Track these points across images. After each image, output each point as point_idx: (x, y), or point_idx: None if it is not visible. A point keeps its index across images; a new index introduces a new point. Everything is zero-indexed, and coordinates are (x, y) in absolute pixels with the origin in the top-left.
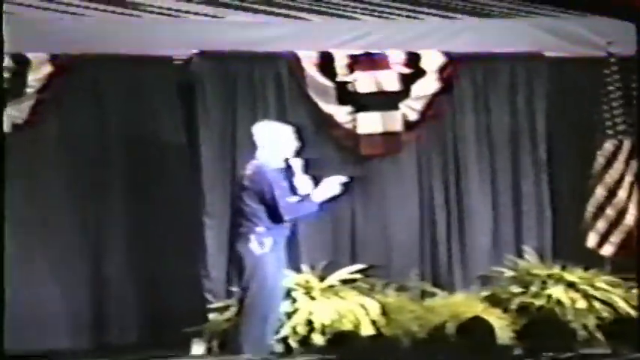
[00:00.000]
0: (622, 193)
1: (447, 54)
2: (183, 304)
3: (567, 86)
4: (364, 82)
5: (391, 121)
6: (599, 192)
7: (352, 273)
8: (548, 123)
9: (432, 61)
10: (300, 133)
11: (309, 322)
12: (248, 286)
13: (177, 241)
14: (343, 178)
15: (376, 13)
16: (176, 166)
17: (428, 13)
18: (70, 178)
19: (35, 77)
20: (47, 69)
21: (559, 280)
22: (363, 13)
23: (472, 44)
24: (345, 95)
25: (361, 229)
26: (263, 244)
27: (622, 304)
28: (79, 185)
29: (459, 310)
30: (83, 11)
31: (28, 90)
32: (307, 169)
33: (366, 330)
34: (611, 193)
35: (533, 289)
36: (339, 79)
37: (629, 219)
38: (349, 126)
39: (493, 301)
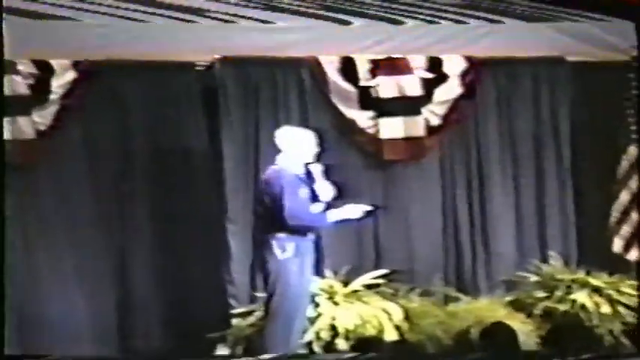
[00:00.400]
0: None
1: (469, 58)
2: (207, 310)
3: (590, 90)
4: (386, 86)
5: (414, 126)
6: (624, 196)
7: (375, 278)
8: (571, 127)
9: (454, 65)
10: (322, 139)
11: (333, 328)
12: (273, 291)
13: (201, 246)
14: (367, 207)
15: (398, 18)
16: (199, 171)
17: (449, 19)
18: (94, 184)
19: (58, 84)
20: (70, 75)
21: (584, 285)
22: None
23: (494, 48)
24: (368, 100)
25: (384, 234)
26: (285, 249)
27: None
28: (103, 191)
29: (483, 315)
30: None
31: (52, 96)
32: (329, 174)
33: (390, 335)
34: (636, 197)
35: (558, 294)
36: (362, 83)
37: None
38: (371, 131)
39: (517, 306)
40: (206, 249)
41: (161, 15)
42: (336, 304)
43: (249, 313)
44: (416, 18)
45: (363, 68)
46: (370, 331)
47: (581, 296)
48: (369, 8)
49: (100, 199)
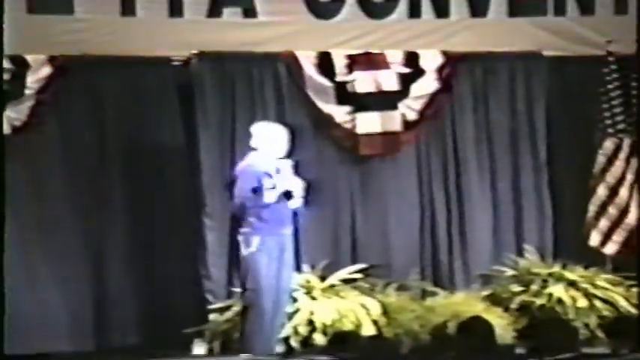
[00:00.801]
0: (623, 192)
1: (445, 53)
2: (184, 305)
3: (567, 85)
4: (363, 81)
5: (390, 121)
6: (601, 191)
7: (353, 273)
8: (547, 122)
9: (430, 60)
10: (298, 134)
11: (310, 322)
12: (244, 286)
13: (178, 242)
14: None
15: (374, 13)
16: (176, 166)
17: (426, 13)
18: (70, 179)
19: (34, 79)
20: (46, 70)
21: (560, 278)
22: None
23: (471, 43)
24: (344, 95)
25: (361, 228)
26: (250, 243)
27: (623, 303)
28: (79, 187)
29: (460, 310)
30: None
31: (27, 92)
32: (305, 169)
33: (367, 330)
34: (613, 191)
35: (534, 288)
36: (338, 78)
37: (631, 217)
38: (348, 126)
39: (494, 300)
40: (183, 244)
41: (138, 10)
42: (313, 298)
43: (226, 309)
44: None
45: (339, 63)
46: (348, 326)
47: (557, 290)
48: (346, 3)
49: (76, 194)
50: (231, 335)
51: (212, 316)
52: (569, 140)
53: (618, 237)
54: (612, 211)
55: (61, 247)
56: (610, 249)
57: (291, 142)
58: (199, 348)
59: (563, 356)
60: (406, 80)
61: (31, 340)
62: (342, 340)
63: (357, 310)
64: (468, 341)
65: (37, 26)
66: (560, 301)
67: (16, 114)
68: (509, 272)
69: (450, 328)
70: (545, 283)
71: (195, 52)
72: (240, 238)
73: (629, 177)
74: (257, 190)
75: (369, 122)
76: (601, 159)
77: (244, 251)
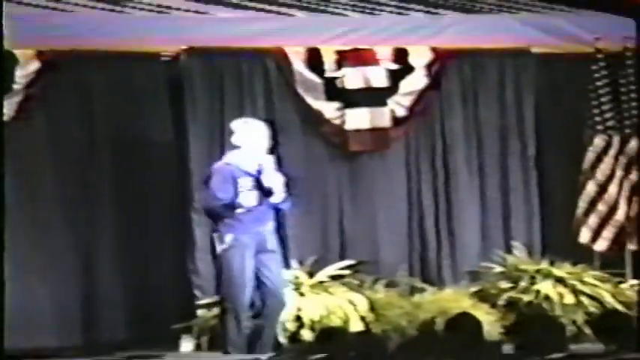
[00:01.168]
0: (612, 189)
1: (434, 50)
2: (171, 301)
3: (555, 82)
4: (352, 78)
5: (379, 117)
6: (591, 187)
7: (341, 269)
8: (536, 118)
9: (419, 56)
10: (286, 130)
11: (298, 318)
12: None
13: (166, 237)
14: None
15: (364, 9)
16: (164, 162)
17: (415, 9)
18: (58, 174)
19: (22, 73)
20: (34, 65)
21: (547, 275)
22: (350, 9)
23: (460, 40)
24: (334, 91)
25: (350, 225)
26: (222, 240)
27: (610, 299)
28: (67, 181)
29: (448, 306)
30: (71, 7)
31: (16, 86)
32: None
33: (355, 326)
34: (602, 188)
35: (522, 284)
36: (327, 74)
37: (620, 214)
38: (337, 122)
39: (482, 296)
40: (171, 239)
41: (127, 5)
42: (301, 295)
43: (213, 304)
44: (381, 10)
45: (328, 59)
46: (335, 322)
47: (545, 287)
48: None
49: (64, 190)
50: (218, 331)
51: (200, 312)
52: (558, 137)
53: (608, 233)
54: (602, 207)
55: (49, 243)
56: (600, 246)
57: (280, 137)
58: (187, 344)
59: (555, 356)
60: (395, 76)
61: (18, 336)
62: (330, 337)
63: (344, 307)
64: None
65: (26, 20)
66: (547, 297)
67: (4, 109)
68: (498, 269)
69: (438, 324)
70: (533, 280)
71: (184, 47)
72: (214, 235)
73: (619, 174)
74: (229, 202)
75: (358, 118)
76: (590, 156)
77: (218, 248)
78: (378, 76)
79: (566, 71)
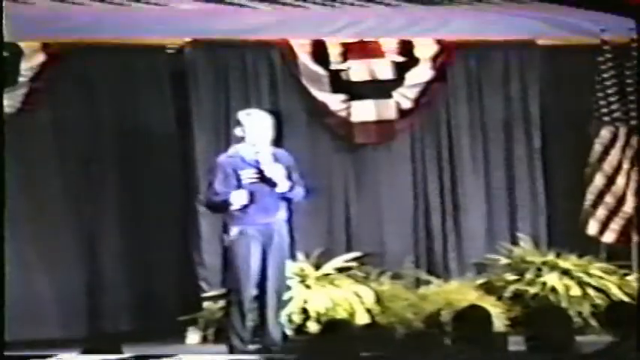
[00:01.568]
0: (620, 180)
1: (440, 42)
2: (177, 293)
3: (561, 74)
4: (358, 70)
5: (385, 109)
6: (598, 179)
7: (347, 261)
8: (542, 110)
9: (425, 48)
10: (291, 122)
11: (304, 311)
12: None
13: (172, 229)
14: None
15: (368, 1)
16: (169, 154)
17: (420, 1)
18: (63, 166)
19: (28, 66)
20: (40, 58)
21: (553, 267)
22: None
23: (465, 32)
24: (339, 83)
25: (356, 217)
26: (228, 232)
27: (616, 291)
28: (72, 173)
29: (454, 298)
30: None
31: (21, 79)
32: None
33: (361, 318)
34: (610, 180)
35: (528, 276)
36: (333, 67)
37: (628, 206)
38: (343, 114)
39: (488, 288)
40: (176, 231)
41: None
42: (307, 287)
43: (220, 296)
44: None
45: (334, 51)
46: (341, 314)
47: (551, 279)
48: None
49: (69, 181)
50: (224, 323)
51: (206, 304)
52: (564, 129)
53: (616, 225)
54: (609, 199)
55: (53, 234)
56: (608, 237)
57: (285, 129)
58: (193, 336)
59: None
60: (401, 68)
61: (21, 327)
62: (336, 329)
63: (350, 299)
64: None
65: (31, 12)
66: (553, 289)
67: (10, 101)
68: (503, 261)
69: (444, 317)
70: (538, 272)
71: (188, 39)
72: (223, 227)
73: (626, 166)
74: (228, 197)
75: (363, 110)
76: (597, 148)
77: (225, 241)
78: (383, 69)
79: (572, 63)
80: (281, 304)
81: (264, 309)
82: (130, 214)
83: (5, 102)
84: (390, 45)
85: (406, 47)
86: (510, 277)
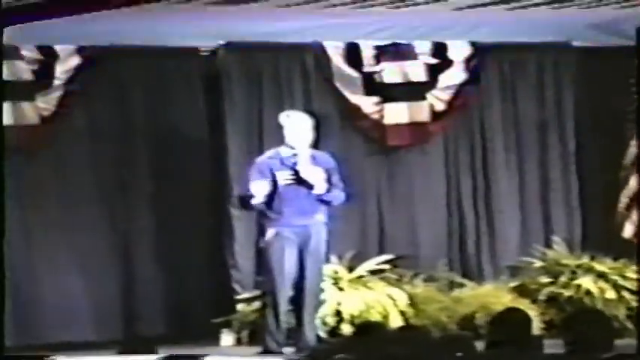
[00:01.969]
0: None
1: (473, 44)
2: (211, 295)
3: (596, 76)
4: (391, 72)
5: (418, 111)
6: (633, 182)
7: (380, 264)
8: (576, 113)
9: (458, 51)
10: (325, 125)
11: (338, 313)
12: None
13: (205, 231)
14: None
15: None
16: (203, 157)
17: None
18: (97, 169)
19: (63, 69)
20: (75, 61)
21: (588, 270)
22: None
23: (499, 34)
24: (372, 86)
25: (389, 219)
26: (265, 234)
27: None
28: (106, 176)
29: (488, 301)
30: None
31: (56, 82)
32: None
33: (395, 321)
34: None
35: (563, 279)
36: (366, 69)
37: None
38: (376, 117)
39: (522, 291)
40: (210, 233)
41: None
42: (341, 289)
43: (253, 299)
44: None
45: (367, 54)
46: (375, 317)
47: (585, 282)
48: None
49: (103, 184)
50: (259, 325)
51: (240, 306)
52: (598, 131)
53: None
54: None
55: (87, 237)
56: None
57: (319, 132)
58: (227, 338)
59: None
60: (434, 71)
61: (56, 331)
62: (369, 331)
63: (384, 301)
64: (503, 333)
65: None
66: (588, 292)
67: (44, 104)
68: (538, 264)
69: (478, 319)
70: (573, 275)
71: (222, 42)
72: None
73: None
74: (249, 198)
75: (396, 113)
76: (632, 150)
77: (261, 242)
78: (416, 71)
79: (607, 65)
80: (316, 307)
81: (299, 311)
82: (163, 217)
83: (40, 105)
84: (423, 47)
85: (439, 49)
86: (544, 279)
